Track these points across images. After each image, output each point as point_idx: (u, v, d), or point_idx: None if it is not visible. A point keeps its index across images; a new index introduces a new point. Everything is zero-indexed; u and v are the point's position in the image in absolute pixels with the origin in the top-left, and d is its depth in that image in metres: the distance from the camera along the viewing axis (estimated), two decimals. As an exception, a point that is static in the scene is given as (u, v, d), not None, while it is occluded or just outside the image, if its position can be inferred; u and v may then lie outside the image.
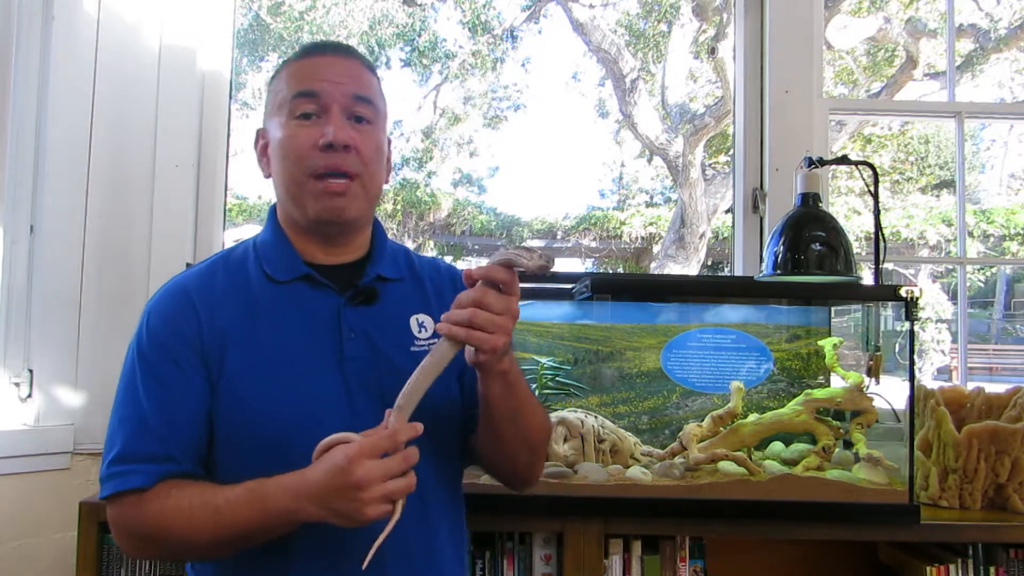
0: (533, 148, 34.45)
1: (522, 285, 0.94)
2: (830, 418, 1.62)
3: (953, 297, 12.65)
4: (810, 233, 1.63)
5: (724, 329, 1.73)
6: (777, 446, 1.69)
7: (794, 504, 1.49)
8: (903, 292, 1.50)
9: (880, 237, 1.74)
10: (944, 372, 11.72)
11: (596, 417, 1.64)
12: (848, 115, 4.62)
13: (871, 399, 1.57)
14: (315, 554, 0.94)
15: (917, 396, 1.65)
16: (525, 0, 10.08)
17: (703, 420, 1.60)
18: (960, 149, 2.23)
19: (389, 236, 1.15)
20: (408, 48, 10.87)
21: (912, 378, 1.56)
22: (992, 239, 11.61)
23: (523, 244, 0.94)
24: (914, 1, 8.07)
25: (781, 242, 1.65)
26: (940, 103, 4.14)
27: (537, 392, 1.67)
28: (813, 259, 1.62)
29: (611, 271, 12.38)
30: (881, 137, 12.40)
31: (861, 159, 1.83)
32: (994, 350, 14.27)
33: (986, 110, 2.64)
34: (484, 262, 0.94)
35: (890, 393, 1.61)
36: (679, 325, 1.73)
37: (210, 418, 0.97)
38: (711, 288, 1.85)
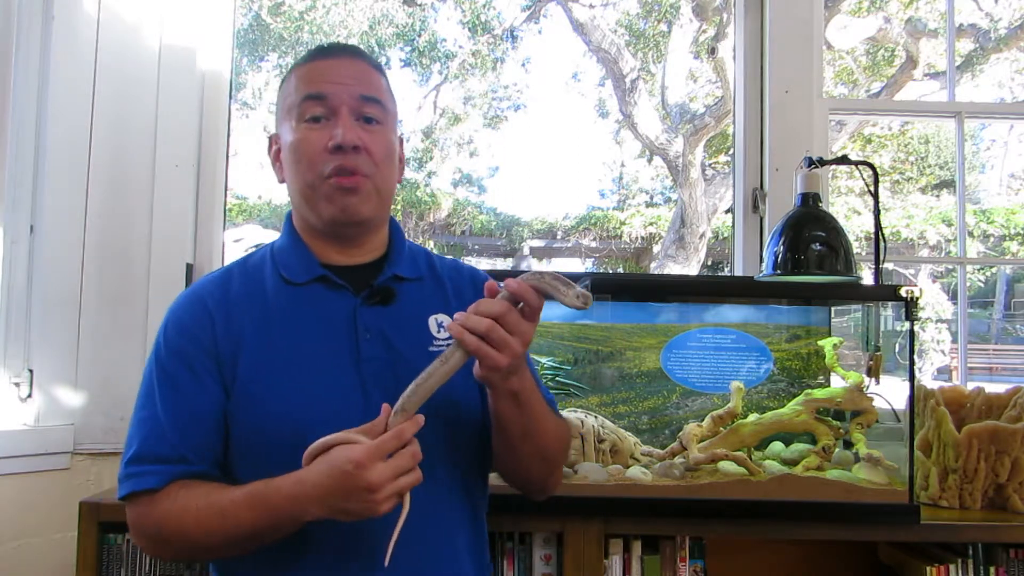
0: (533, 148, 34.54)
1: None
2: (830, 418, 1.62)
3: (953, 297, 12.66)
4: (810, 233, 1.63)
5: (724, 329, 1.73)
6: (777, 446, 1.69)
7: (794, 504, 1.49)
8: (903, 292, 1.50)
9: (880, 237, 1.74)
10: (944, 372, 11.73)
11: (596, 417, 1.64)
12: (848, 115, 4.61)
13: (871, 399, 1.57)
14: (330, 550, 0.95)
15: (917, 396, 1.65)
16: (525, 0, 10.08)
17: (703, 420, 1.60)
18: (960, 149, 2.23)
19: None
20: (408, 48, 10.87)
21: (912, 378, 1.56)
22: (992, 239, 11.61)
23: (561, 273, 0.92)
24: (914, 1, 8.07)
25: (781, 242, 1.65)
26: (940, 103, 4.13)
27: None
28: (813, 259, 1.62)
29: (611, 271, 12.38)
30: (881, 137, 12.41)
31: (861, 159, 1.83)
32: (994, 350, 14.28)
33: (986, 110, 2.64)
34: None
35: (890, 393, 1.60)
36: (679, 325, 1.72)
37: (225, 421, 0.98)
38: (711, 288, 1.85)
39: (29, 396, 1.75)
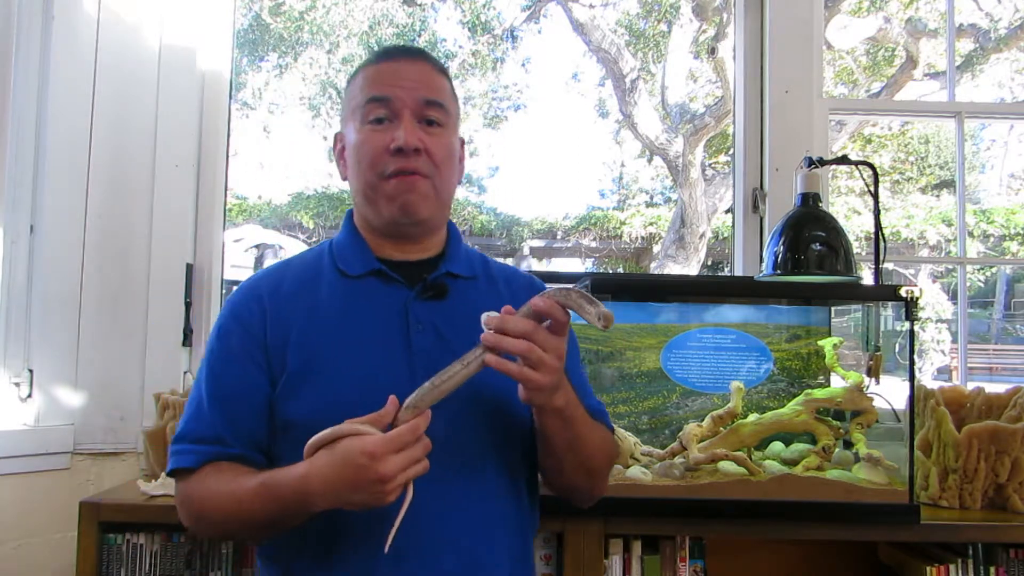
0: (533, 148, 34.51)
1: None
2: (830, 418, 1.61)
3: (953, 297, 12.65)
4: (810, 233, 1.63)
5: (724, 329, 1.73)
6: (777, 446, 1.69)
7: (794, 504, 1.49)
8: (903, 292, 1.50)
9: (880, 237, 1.73)
10: (944, 372, 11.72)
11: (596, 417, 1.63)
12: (848, 115, 4.62)
13: (871, 399, 1.57)
14: (358, 540, 0.95)
15: (917, 396, 1.65)
16: (525, 0, 10.08)
17: (703, 420, 1.59)
18: (960, 149, 2.23)
19: None
20: (408, 48, 10.84)
21: (912, 378, 1.55)
22: (992, 239, 11.61)
23: (584, 289, 0.91)
24: (914, 1, 8.07)
25: (781, 242, 1.65)
26: (940, 103, 4.14)
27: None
28: (813, 259, 1.62)
29: (611, 271, 12.38)
30: (881, 137, 12.41)
31: (861, 159, 1.83)
32: (994, 350, 14.27)
33: (986, 110, 2.64)
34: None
35: (890, 393, 1.60)
36: (679, 325, 1.72)
37: (269, 408, 1.00)
38: (711, 288, 1.85)
39: (29, 396, 1.75)
